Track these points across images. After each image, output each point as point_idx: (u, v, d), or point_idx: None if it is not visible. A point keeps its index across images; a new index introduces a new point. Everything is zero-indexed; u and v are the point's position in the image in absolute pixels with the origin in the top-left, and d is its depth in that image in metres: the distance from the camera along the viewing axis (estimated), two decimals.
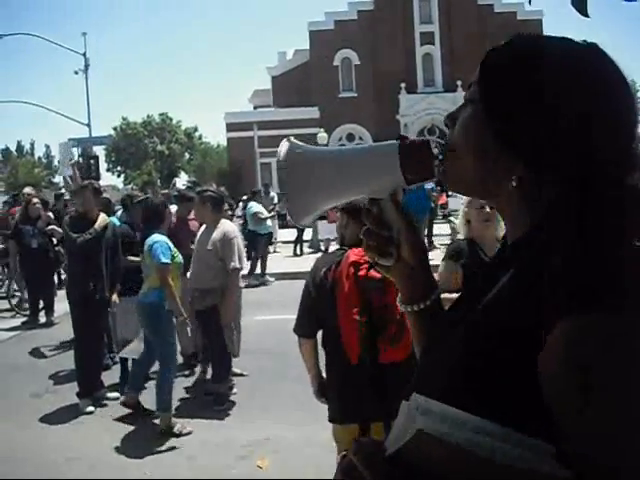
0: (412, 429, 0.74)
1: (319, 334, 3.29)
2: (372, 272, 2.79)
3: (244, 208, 16.77)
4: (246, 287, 12.33)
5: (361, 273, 2.91)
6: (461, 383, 0.83)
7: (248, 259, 13.79)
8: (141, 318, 5.54)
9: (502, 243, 1.03)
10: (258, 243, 13.41)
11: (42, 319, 10.00)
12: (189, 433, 5.27)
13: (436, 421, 0.74)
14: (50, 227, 9.49)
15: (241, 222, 15.56)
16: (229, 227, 6.07)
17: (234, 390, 6.13)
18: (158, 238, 5.44)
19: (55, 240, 9.80)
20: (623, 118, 0.88)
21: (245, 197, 17.54)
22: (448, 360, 0.89)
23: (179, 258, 5.61)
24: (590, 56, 0.91)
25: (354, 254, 2.97)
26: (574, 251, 0.79)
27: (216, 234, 5.88)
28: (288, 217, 1.07)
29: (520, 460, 0.71)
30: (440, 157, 1.00)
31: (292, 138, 1.09)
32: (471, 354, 0.84)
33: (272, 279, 13.25)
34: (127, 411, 5.84)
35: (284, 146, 1.06)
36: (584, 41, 0.93)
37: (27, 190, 11.53)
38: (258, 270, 13.37)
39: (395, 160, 1.01)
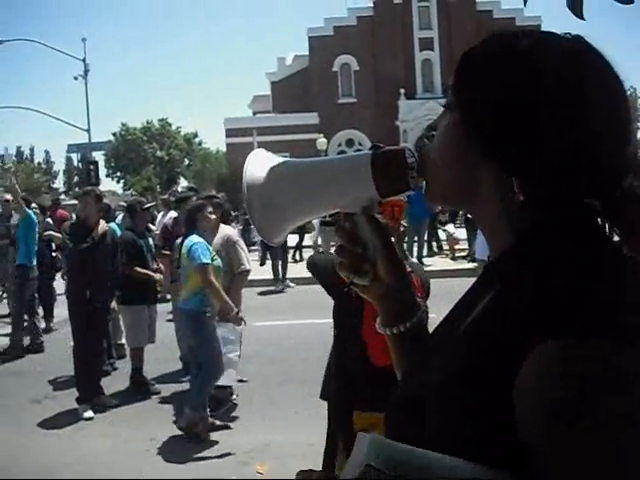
0: (362, 464, 0.71)
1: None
2: None
3: None
4: (270, 293, 12.44)
5: None
6: (444, 406, 0.78)
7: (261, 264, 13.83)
8: (183, 326, 5.46)
9: (488, 257, 0.95)
10: (274, 248, 13.37)
11: (42, 324, 9.97)
12: (213, 442, 5.22)
13: (387, 458, 0.71)
14: (47, 233, 9.44)
15: (240, 227, 15.54)
16: (229, 231, 6.10)
17: (234, 396, 6.11)
18: (196, 239, 5.32)
19: (54, 245, 9.76)
20: (613, 117, 0.80)
21: None
22: (431, 383, 0.82)
23: (218, 261, 5.48)
24: (574, 49, 0.82)
25: None
26: (560, 268, 0.74)
27: (217, 239, 5.89)
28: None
29: None
30: (415, 167, 0.94)
31: (257, 150, 1.03)
32: (455, 376, 0.78)
33: (293, 284, 13.13)
34: (125, 418, 5.83)
35: (247, 161, 1.00)
36: (567, 34, 0.85)
37: (7, 197, 11.15)
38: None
39: (367, 171, 0.94)
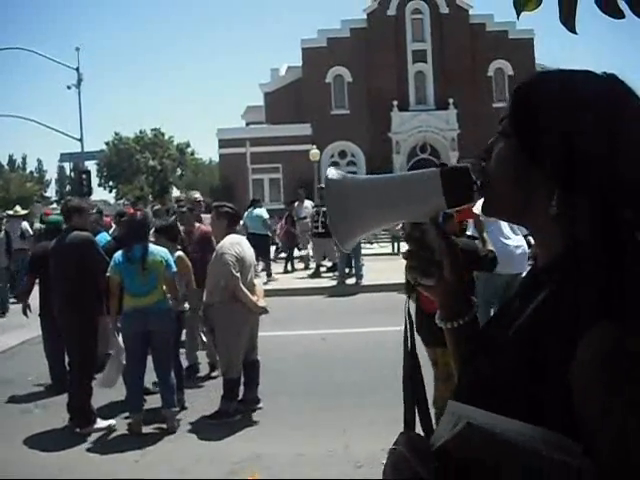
0: (462, 422, 0.85)
1: None
2: None
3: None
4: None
5: None
6: (499, 395, 0.92)
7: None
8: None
9: (533, 264, 1.11)
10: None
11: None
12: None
13: (482, 417, 0.85)
14: None
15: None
16: (225, 241, 5.92)
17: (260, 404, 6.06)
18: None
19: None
20: None
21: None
22: (486, 375, 0.99)
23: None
24: (611, 87, 0.99)
25: None
26: (609, 271, 0.87)
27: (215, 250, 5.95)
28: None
29: (560, 454, 0.81)
30: (478, 183, 1.06)
31: (333, 168, 1.14)
32: (507, 370, 0.94)
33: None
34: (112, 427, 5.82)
35: (327, 176, 1.12)
36: (604, 73, 1.01)
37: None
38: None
39: (437, 186, 1.06)
